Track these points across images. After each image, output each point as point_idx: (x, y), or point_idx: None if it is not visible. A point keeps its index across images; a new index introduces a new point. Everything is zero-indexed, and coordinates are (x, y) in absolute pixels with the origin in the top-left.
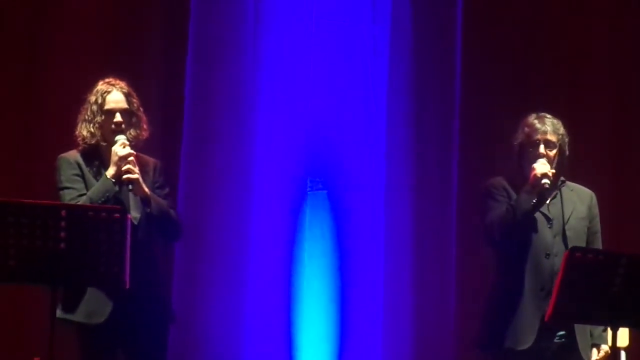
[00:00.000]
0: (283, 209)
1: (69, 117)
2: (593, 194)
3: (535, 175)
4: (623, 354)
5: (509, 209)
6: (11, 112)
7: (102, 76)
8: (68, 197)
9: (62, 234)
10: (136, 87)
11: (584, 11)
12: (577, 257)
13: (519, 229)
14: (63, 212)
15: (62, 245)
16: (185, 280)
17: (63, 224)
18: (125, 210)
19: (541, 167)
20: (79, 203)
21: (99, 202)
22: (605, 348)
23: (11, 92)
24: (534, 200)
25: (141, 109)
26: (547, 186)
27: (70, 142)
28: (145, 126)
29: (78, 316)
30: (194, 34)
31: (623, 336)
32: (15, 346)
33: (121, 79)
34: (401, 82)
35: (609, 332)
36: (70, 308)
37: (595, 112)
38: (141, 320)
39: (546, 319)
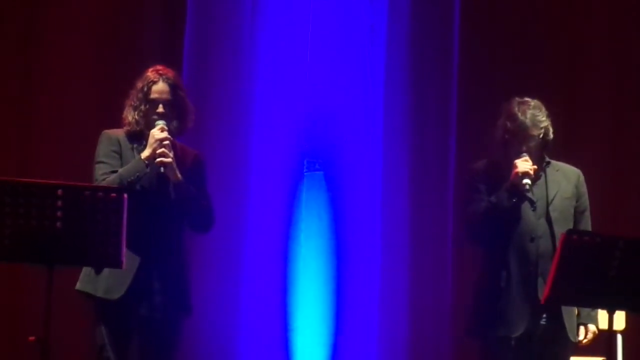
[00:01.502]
0: (280, 190)
1: (66, 111)
2: (580, 172)
3: (516, 173)
4: (619, 337)
5: (489, 206)
6: (11, 109)
7: (98, 75)
8: (100, 171)
9: (59, 214)
10: (133, 84)
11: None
12: (573, 240)
13: (499, 226)
14: (59, 192)
15: (59, 224)
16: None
17: (60, 203)
18: (122, 190)
19: (522, 165)
20: (109, 179)
21: (129, 180)
22: (592, 328)
23: (9, 84)
24: (515, 199)
25: (187, 101)
26: (527, 187)
27: (71, 142)
28: (191, 117)
29: (98, 290)
30: (192, 13)
31: (619, 319)
32: (11, 326)
33: (170, 69)
34: (399, 66)
35: (599, 312)
36: (91, 281)
37: (594, 96)
38: (158, 303)
39: (542, 301)
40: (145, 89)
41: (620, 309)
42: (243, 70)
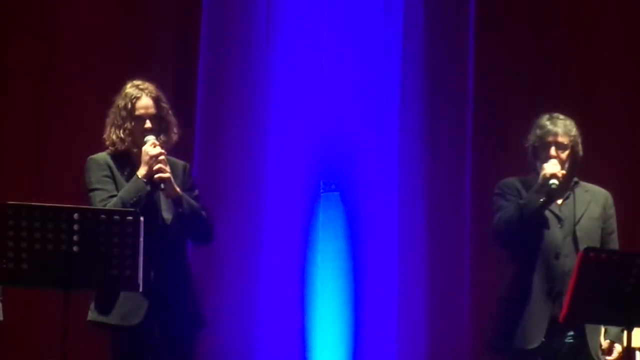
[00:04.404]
0: (296, 211)
1: (80, 118)
2: (609, 195)
3: (544, 175)
4: (638, 354)
5: (517, 207)
6: (24, 108)
7: (111, 79)
8: (98, 198)
9: (75, 237)
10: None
11: (597, 7)
12: (591, 257)
13: (526, 228)
14: (76, 215)
15: (75, 248)
16: (197, 282)
17: (76, 227)
18: (138, 213)
19: (551, 167)
20: (109, 204)
21: (131, 202)
22: (618, 348)
23: (24, 92)
24: (542, 199)
25: (170, 112)
26: (554, 187)
27: (80, 146)
28: (175, 130)
29: (113, 319)
30: (206, 37)
31: (638, 336)
32: (29, 349)
33: (150, 82)
34: (414, 83)
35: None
36: (104, 310)
37: (609, 111)
38: (172, 323)
39: (560, 319)
40: (129, 105)
41: (639, 326)
42: (258, 92)
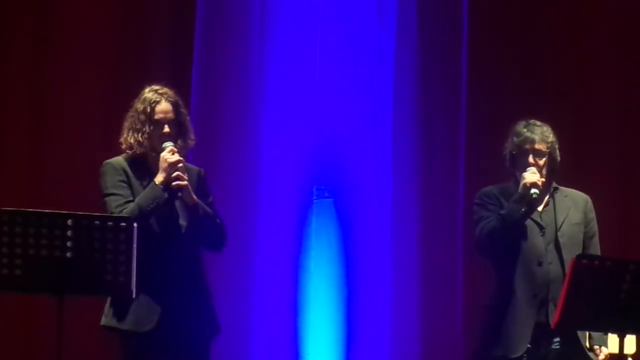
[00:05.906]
0: (289, 217)
1: (79, 117)
2: (588, 198)
3: (524, 184)
4: None
5: (498, 218)
6: (23, 114)
7: (107, 83)
8: (114, 203)
9: (69, 243)
10: (138, 89)
11: (590, 9)
12: (583, 264)
13: (509, 238)
14: (69, 221)
15: (69, 254)
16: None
17: (70, 233)
18: (132, 219)
19: (530, 176)
20: (125, 210)
21: (148, 209)
22: (605, 351)
23: (19, 92)
24: (523, 209)
25: (188, 118)
26: (535, 196)
27: (79, 147)
28: (192, 135)
29: (126, 324)
30: (200, 41)
31: (630, 343)
32: (23, 355)
33: (168, 87)
34: (407, 89)
35: (610, 336)
36: (117, 316)
37: (603, 114)
38: (187, 330)
39: (553, 325)
40: (149, 109)
41: (631, 332)
42: (251, 98)
